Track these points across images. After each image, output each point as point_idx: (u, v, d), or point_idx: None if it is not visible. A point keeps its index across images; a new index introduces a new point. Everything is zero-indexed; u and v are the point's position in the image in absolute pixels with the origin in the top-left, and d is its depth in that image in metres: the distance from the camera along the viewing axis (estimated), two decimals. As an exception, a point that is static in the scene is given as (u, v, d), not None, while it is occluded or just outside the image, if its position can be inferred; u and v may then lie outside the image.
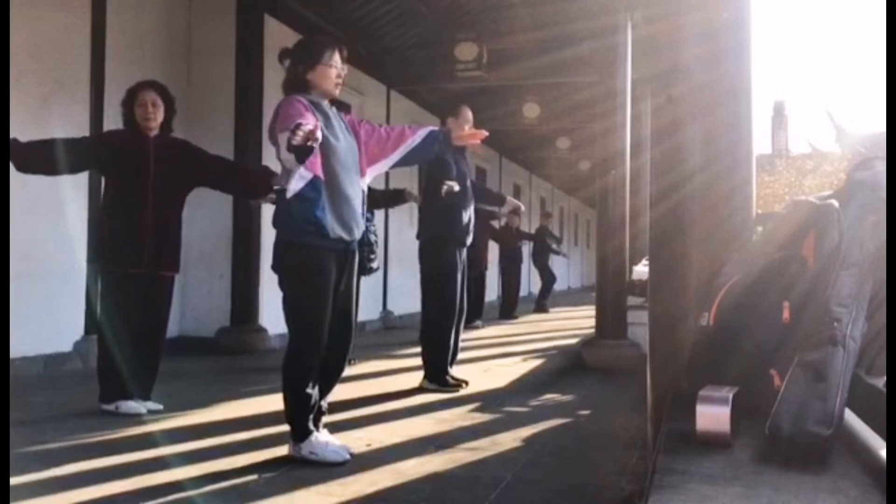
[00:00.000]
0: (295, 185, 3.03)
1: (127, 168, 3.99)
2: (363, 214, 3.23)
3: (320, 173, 3.04)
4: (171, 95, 4.17)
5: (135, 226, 3.94)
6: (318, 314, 3.07)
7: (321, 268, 3.07)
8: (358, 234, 3.19)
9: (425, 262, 5.11)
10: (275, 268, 3.17)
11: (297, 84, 3.15)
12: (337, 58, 3.16)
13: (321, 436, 3.16)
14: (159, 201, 4.01)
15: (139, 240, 3.94)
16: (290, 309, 3.14)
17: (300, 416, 3.10)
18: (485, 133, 3.47)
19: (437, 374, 4.95)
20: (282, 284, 3.17)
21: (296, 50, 3.22)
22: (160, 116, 4.06)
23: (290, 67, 3.20)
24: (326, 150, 3.04)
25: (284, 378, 3.13)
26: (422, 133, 3.31)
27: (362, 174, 3.24)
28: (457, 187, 4.79)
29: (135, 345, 4.02)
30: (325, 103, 3.17)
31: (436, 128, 3.44)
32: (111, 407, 3.96)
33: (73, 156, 3.96)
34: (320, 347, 3.09)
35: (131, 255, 3.94)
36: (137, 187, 3.95)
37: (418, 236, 5.20)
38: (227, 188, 4.44)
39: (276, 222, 3.15)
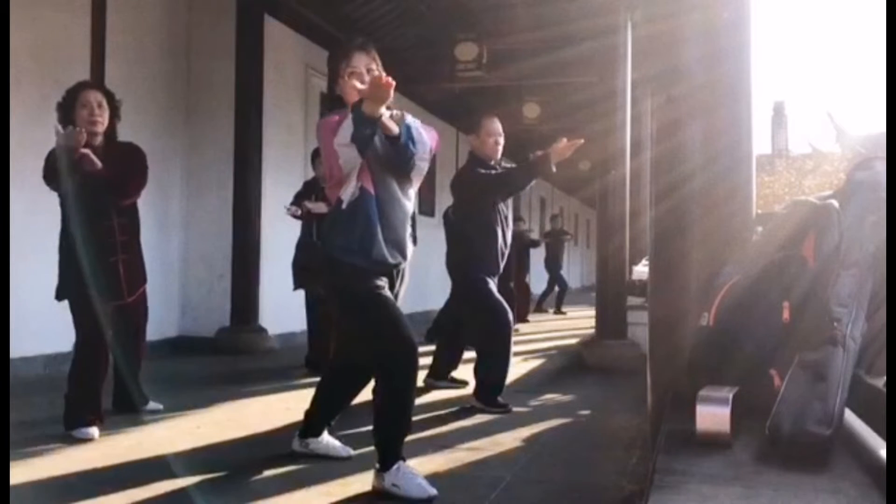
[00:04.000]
0: (348, 197, 2.72)
1: (80, 189, 3.45)
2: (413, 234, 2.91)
3: (370, 188, 2.73)
4: (118, 100, 3.72)
5: (106, 256, 3.57)
6: (394, 317, 2.72)
7: (370, 282, 2.74)
8: (408, 256, 2.86)
9: (459, 295, 4.77)
10: (327, 287, 3.02)
11: (338, 101, 2.88)
12: (355, 61, 2.81)
13: (331, 439, 3.21)
14: (123, 220, 3.66)
15: (114, 272, 3.61)
16: (366, 334, 2.82)
17: (400, 436, 2.74)
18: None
19: (491, 395, 4.43)
20: (340, 309, 2.92)
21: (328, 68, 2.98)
22: (106, 120, 3.61)
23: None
24: (375, 163, 2.73)
25: (390, 402, 2.72)
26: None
27: (411, 184, 2.87)
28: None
29: (121, 361, 3.91)
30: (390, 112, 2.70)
31: None
32: (74, 432, 3.49)
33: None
34: (415, 350, 2.71)
35: (109, 290, 3.59)
36: (99, 211, 3.53)
37: (447, 263, 4.76)
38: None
39: (323, 237, 2.91)
